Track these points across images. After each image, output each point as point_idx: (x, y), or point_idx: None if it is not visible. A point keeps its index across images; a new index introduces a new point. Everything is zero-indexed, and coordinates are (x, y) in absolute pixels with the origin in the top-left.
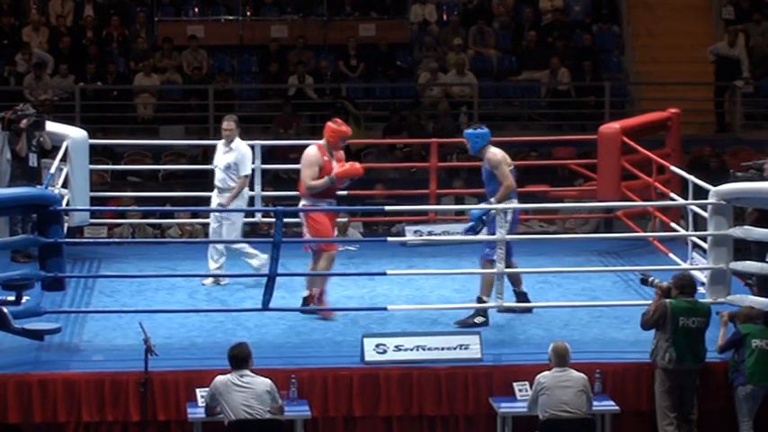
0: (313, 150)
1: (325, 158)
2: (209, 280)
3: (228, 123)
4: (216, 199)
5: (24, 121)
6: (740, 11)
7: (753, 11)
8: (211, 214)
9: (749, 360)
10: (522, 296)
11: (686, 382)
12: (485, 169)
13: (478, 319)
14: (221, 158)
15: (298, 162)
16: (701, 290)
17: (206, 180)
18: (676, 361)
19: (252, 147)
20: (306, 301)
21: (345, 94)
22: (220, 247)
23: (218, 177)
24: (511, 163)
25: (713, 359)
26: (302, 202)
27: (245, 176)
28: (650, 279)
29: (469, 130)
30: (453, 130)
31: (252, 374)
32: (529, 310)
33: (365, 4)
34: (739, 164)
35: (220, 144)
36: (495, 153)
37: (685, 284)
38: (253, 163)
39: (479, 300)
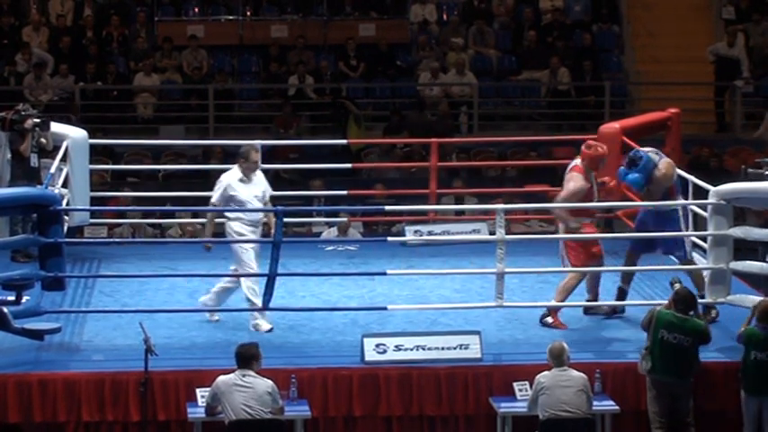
0: (580, 182)
1: (588, 186)
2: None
3: (258, 153)
4: (253, 234)
5: (30, 122)
6: (740, 11)
7: (752, 11)
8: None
9: (748, 369)
10: (621, 293)
11: (674, 392)
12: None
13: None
14: (251, 190)
15: (298, 162)
16: None
17: (206, 180)
18: (649, 369)
19: None
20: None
21: (345, 93)
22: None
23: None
24: (673, 176)
25: (712, 359)
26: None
27: None
28: (675, 284)
29: (629, 177)
30: (452, 129)
31: (254, 375)
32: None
33: (365, 4)
34: (754, 161)
35: (236, 175)
36: (660, 172)
37: (679, 299)
38: None
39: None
